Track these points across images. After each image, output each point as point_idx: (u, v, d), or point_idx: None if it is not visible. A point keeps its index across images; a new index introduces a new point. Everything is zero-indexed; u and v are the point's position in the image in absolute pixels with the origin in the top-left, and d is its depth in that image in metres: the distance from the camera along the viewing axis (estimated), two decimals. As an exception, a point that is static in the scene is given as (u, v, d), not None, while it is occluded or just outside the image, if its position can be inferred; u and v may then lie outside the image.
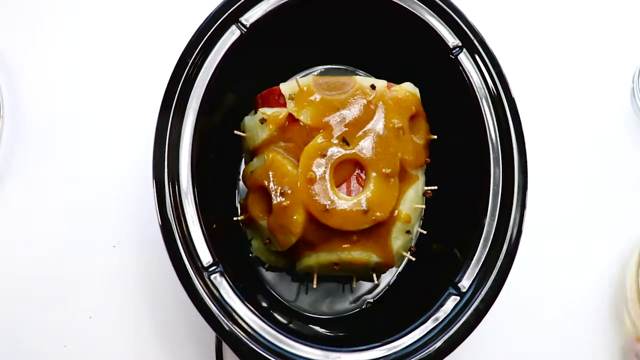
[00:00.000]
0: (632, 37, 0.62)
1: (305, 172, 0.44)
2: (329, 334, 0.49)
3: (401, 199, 0.46)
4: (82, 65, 0.58)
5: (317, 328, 0.49)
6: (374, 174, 0.44)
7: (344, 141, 0.45)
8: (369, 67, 0.55)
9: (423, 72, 0.50)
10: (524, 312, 0.55)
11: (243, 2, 0.46)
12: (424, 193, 0.48)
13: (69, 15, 0.59)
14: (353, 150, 0.45)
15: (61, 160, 0.56)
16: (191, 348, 0.53)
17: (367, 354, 0.42)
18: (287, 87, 0.47)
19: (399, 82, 0.48)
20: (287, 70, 0.53)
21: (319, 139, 0.44)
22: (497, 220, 0.45)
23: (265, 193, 0.45)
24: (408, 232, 0.47)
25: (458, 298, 0.43)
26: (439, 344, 0.42)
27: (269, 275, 0.52)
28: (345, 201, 0.44)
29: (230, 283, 0.42)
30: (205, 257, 0.42)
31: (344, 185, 0.45)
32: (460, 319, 0.42)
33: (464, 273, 0.44)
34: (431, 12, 0.47)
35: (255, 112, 0.48)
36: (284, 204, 0.44)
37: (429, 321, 0.43)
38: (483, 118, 0.46)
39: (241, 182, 0.52)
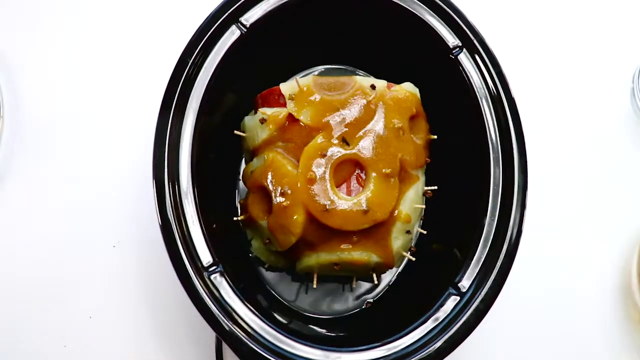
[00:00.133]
0: (632, 37, 0.62)
1: (305, 172, 0.44)
2: (329, 334, 0.49)
3: (401, 199, 0.46)
4: (82, 65, 0.58)
5: (317, 328, 0.49)
6: (374, 174, 0.44)
7: (344, 141, 0.45)
8: (369, 67, 0.55)
9: (423, 72, 0.50)
10: (524, 312, 0.55)
11: (243, 2, 0.46)
12: (424, 193, 0.48)
13: (69, 15, 0.59)
14: (353, 151, 0.45)
15: (61, 160, 0.56)
16: (191, 348, 0.53)
17: (367, 354, 0.42)
18: (287, 87, 0.47)
19: (399, 82, 0.48)
20: (287, 70, 0.53)
21: (319, 139, 0.44)
22: (497, 220, 0.45)
23: (265, 193, 0.45)
24: (408, 232, 0.47)
25: (458, 298, 0.43)
26: (439, 344, 0.42)
27: (269, 275, 0.52)
28: (345, 201, 0.44)
29: (230, 283, 0.42)
30: (205, 257, 0.42)
31: (344, 186, 0.45)
32: (460, 319, 0.42)
33: (464, 273, 0.44)
34: (431, 12, 0.47)
35: (255, 112, 0.48)
36: (284, 204, 0.44)
37: (429, 321, 0.43)
38: (483, 118, 0.46)
39: (241, 182, 0.52)
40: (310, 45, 0.53)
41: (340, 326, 0.50)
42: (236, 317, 0.41)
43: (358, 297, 0.52)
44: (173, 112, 0.44)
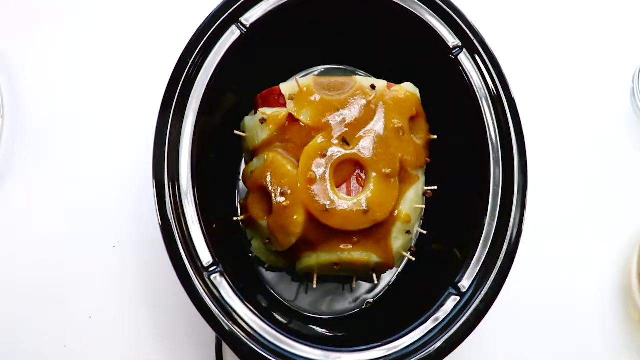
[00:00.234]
0: (632, 37, 0.62)
1: (305, 172, 0.44)
2: (329, 334, 0.49)
3: (401, 199, 0.46)
4: (82, 65, 0.58)
5: (317, 328, 0.49)
6: (374, 174, 0.44)
7: (344, 141, 0.45)
8: (369, 67, 0.55)
9: (423, 72, 0.50)
10: (524, 312, 0.55)
11: (243, 2, 0.46)
12: (424, 193, 0.48)
13: (69, 15, 0.59)
14: (353, 151, 0.45)
15: (61, 160, 0.56)
16: (191, 348, 0.53)
17: (367, 354, 0.42)
18: (287, 87, 0.47)
19: (399, 82, 0.48)
20: (287, 70, 0.53)
21: (319, 139, 0.44)
22: (497, 220, 0.45)
23: (266, 193, 0.45)
24: (408, 232, 0.47)
25: (458, 298, 0.43)
26: (439, 344, 0.42)
27: (269, 275, 0.52)
28: (345, 201, 0.44)
29: (230, 283, 0.42)
30: (205, 257, 0.42)
31: (344, 186, 0.45)
32: (460, 319, 0.42)
33: (464, 273, 0.44)
34: (431, 12, 0.47)
35: (255, 112, 0.48)
36: (284, 204, 0.44)
37: (429, 321, 0.43)
38: (483, 118, 0.46)
39: (241, 182, 0.52)
40: (310, 45, 0.53)
41: (340, 326, 0.50)
42: (236, 317, 0.41)
43: (358, 297, 0.52)
44: (173, 112, 0.44)
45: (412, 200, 0.46)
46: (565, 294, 0.56)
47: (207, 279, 0.42)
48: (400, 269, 0.52)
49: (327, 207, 0.43)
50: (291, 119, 0.45)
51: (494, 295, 0.43)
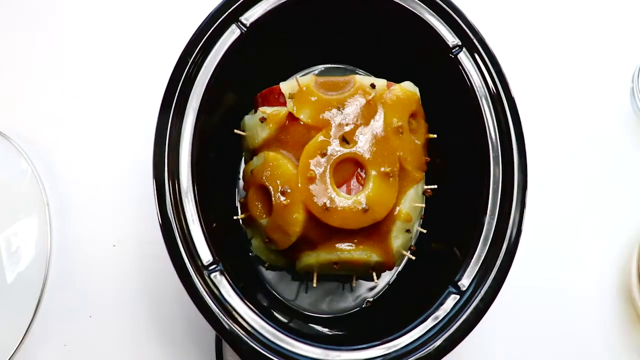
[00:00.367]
0: (632, 37, 0.62)
1: (305, 171, 0.44)
2: (329, 332, 0.49)
3: (401, 198, 0.46)
4: (82, 65, 0.58)
5: (317, 327, 0.49)
6: (373, 173, 0.45)
7: (344, 140, 0.45)
8: (368, 66, 0.55)
9: (423, 71, 0.50)
10: (523, 311, 0.55)
11: (243, 1, 0.46)
12: (424, 192, 0.49)
13: (69, 15, 0.59)
14: (353, 150, 0.45)
15: (61, 160, 0.56)
16: (191, 347, 0.53)
17: (367, 353, 0.42)
18: (287, 86, 0.47)
19: (398, 81, 0.48)
20: (287, 69, 0.53)
21: (319, 138, 0.45)
22: (497, 219, 0.45)
23: (266, 192, 0.45)
24: (408, 231, 0.47)
25: (458, 297, 0.43)
26: (438, 342, 0.42)
27: (269, 274, 0.52)
28: (345, 200, 0.44)
29: (230, 282, 0.42)
30: (205, 255, 0.42)
31: (344, 185, 0.45)
32: (460, 317, 0.42)
33: (464, 272, 0.44)
34: (431, 11, 0.48)
35: (255, 111, 0.48)
36: (284, 202, 0.44)
37: (429, 320, 0.43)
38: (483, 117, 0.46)
39: (241, 181, 0.52)
40: (310, 45, 0.53)
41: (340, 325, 0.50)
42: (236, 315, 0.41)
43: (358, 296, 0.52)
44: (173, 112, 0.44)
45: (412, 199, 0.47)
46: (565, 294, 0.56)
47: (207, 278, 0.42)
48: (400, 268, 0.52)
49: (327, 205, 0.43)
50: (291, 118, 0.45)
51: (493, 294, 0.43)
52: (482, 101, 0.47)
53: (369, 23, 0.50)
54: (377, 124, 0.45)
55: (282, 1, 0.46)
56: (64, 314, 0.53)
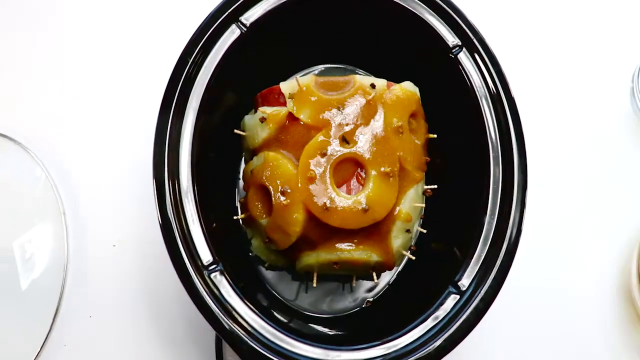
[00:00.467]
0: (632, 37, 0.62)
1: (305, 171, 0.44)
2: (329, 332, 0.49)
3: (401, 197, 0.46)
4: (82, 65, 0.58)
5: (317, 327, 0.49)
6: (373, 173, 0.45)
7: (344, 140, 0.45)
8: (368, 66, 0.55)
9: (423, 71, 0.50)
10: (523, 311, 0.55)
11: (243, 1, 0.46)
12: (424, 192, 0.49)
13: (69, 15, 0.59)
14: (353, 150, 0.45)
15: (61, 160, 0.56)
16: (191, 347, 0.53)
17: (366, 353, 0.42)
18: (287, 86, 0.47)
19: (398, 81, 0.48)
20: (287, 69, 0.53)
21: (319, 138, 0.45)
22: (497, 219, 0.45)
23: (266, 192, 0.45)
24: (408, 231, 0.47)
25: (458, 297, 0.43)
26: (438, 342, 0.42)
27: (269, 274, 0.52)
28: (345, 200, 0.44)
29: (230, 282, 0.42)
30: (205, 255, 0.42)
31: (344, 185, 0.45)
32: (460, 317, 0.42)
33: (464, 272, 0.44)
34: (431, 11, 0.48)
35: (255, 111, 0.48)
36: (284, 202, 0.44)
37: (429, 320, 0.43)
38: (483, 117, 0.46)
39: (241, 181, 0.52)
40: (310, 44, 0.53)
41: (340, 325, 0.50)
42: (236, 315, 0.41)
43: (358, 296, 0.52)
44: (173, 112, 0.44)
45: (412, 199, 0.47)
46: (565, 294, 0.56)
47: (207, 278, 0.42)
48: (400, 268, 0.52)
49: (327, 205, 0.43)
50: (291, 117, 0.45)
51: (493, 294, 0.43)
52: (482, 101, 0.47)
53: (369, 23, 0.50)
54: (377, 124, 0.45)
55: (282, 1, 0.46)
56: (64, 314, 0.53)
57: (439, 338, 0.42)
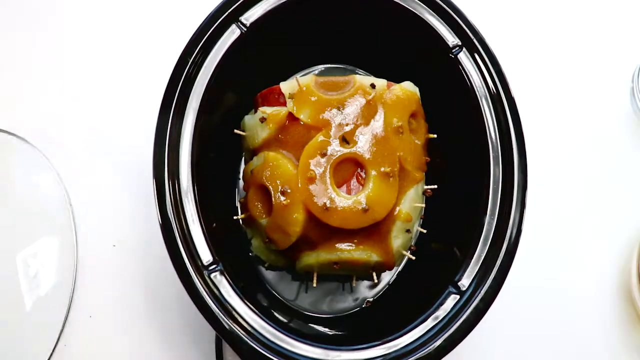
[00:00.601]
0: (632, 37, 0.62)
1: (305, 171, 0.44)
2: (329, 332, 0.49)
3: (401, 198, 0.46)
4: (82, 65, 0.58)
5: (317, 327, 0.49)
6: (373, 173, 0.45)
7: (344, 140, 0.45)
8: (368, 66, 0.55)
9: (423, 71, 0.50)
10: (523, 311, 0.55)
11: (243, 1, 0.46)
12: (424, 192, 0.49)
13: (69, 15, 0.59)
14: (353, 150, 0.45)
15: (60, 160, 0.56)
16: (191, 347, 0.53)
17: (367, 353, 0.42)
18: (287, 86, 0.47)
19: (398, 81, 0.48)
20: (287, 69, 0.53)
21: (319, 138, 0.45)
22: (497, 219, 0.45)
23: (266, 192, 0.45)
24: (408, 231, 0.47)
25: (458, 297, 0.43)
26: (438, 342, 0.42)
27: (269, 274, 0.52)
28: (345, 200, 0.44)
29: (230, 282, 0.42)
30: (205, 255, 0.42)
31: (344, 185, 0.45)
32: (460, 317, 0.42)
33: (464, 272, 0.44)
34: (431, 11, 0.48)
35: (255, 111, 0.48)
36: (284, 202, 0.44)
37: (429, 320, 0.43)
38: (483, 117, 0.46)
39: (241, 181, 0.52)
40: (310, 44, 0.53)
41: (340, 325, 0.50)
42: (236, 315, 0.41)
43: (358, 296, 0.52)
44: (173, 112, 0.44)
45: (412, 199, 0.47)
46: (565, 294, 0.56)
47: (207, 278, 0.42)
48: (400, 268, 0.52)
49: (327, 205, 0.43)
50: (291, 118, 0.45)
51: (493, 294, 0.43)
52: (482, 101, 0.47)
53: (369, 23, 0.50)
54: (377, 124, 0.45)
55: (282, 1, 0.46)
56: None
57: (439, 338, 0.42)
